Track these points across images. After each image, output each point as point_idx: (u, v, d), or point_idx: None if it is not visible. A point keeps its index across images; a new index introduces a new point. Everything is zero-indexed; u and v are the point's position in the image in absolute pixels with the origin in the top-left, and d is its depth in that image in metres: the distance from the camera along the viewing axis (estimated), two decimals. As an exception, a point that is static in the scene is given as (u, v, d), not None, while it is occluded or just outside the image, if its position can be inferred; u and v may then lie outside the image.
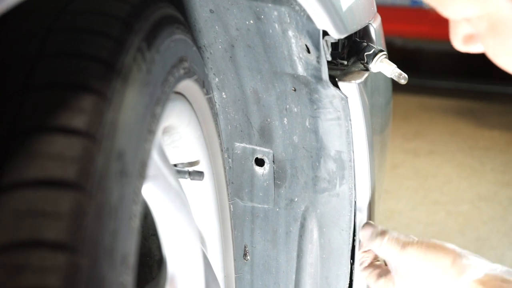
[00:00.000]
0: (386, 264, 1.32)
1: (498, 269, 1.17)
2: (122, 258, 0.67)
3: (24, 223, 0.60)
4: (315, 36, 1.15)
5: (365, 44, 1.24)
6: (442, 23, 5.26)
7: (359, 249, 1.36)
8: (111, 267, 0.65)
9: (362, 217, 1.33)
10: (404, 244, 1.23)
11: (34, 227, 0.60)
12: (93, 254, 0.62)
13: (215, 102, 1.32)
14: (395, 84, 1.49)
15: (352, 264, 1.38)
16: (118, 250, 0.66)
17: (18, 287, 0.58)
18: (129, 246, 0.69)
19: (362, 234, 1.31)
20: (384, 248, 1.26)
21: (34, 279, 0.59)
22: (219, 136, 1.26)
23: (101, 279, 0.63)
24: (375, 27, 1.30)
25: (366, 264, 1.33)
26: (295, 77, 1.24)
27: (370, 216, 1.33)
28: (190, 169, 1.17)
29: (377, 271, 1.31)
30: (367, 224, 1.32)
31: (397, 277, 1.25)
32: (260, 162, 1.38)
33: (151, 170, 0.90)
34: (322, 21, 1.10)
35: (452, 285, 1.18)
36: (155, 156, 0.91)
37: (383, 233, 1.27)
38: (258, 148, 1.37)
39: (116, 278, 0.66)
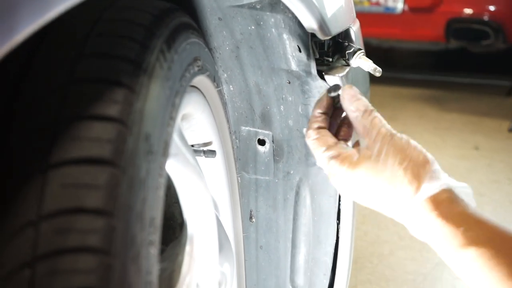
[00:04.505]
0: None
1: (459, 186, 0.87)
2: (150, 220, 0.68)
3: (69, 193, 0.61)
4: (305, 38, 1.15)
5: (347, 44, 1.24)
6: (410, 26, 5.21)
7: (314, 108, 0.98)
8: (141, 228, 0.65)
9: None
10: (391, 135, 0.90)
11: (77, 197, 0.61)
12: (126, 217, 0.63)
13: (224, 94, 1.32)
14: (371, 77, 1.49)
15: (338, 224, 1.38)
16: (147, 214, 0.67)
17: (65, 246, 0.59)
18: (155, 211, 0.70)
19: (344, 92, 0.94)
20: (366, 124, 0.91)
21: (78, 239, 0.59)
22: (228, 121, 1.26)
23: (133, 238, 0.63)
24: (355, 30, 1.30)
25: (319, 123, 0.96)
26: (289, 72, 1.24)
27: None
28: (205, 148, 1.17)
29: (332, 140, 0.93)
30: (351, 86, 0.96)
31: (361, 165, 0.88)
32: (262, 142, 1.38)
33: (172, 149, 0.90)
34: (310, 26, 1.10)
35: (403, 205, 0.86)
36: (175, 138, 0.92)
37: (371, 110, 0.92)
38: (260, 130, 1.37)
39: (146, 237, 0.66)
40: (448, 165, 3.63)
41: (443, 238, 0.82)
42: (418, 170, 0.86)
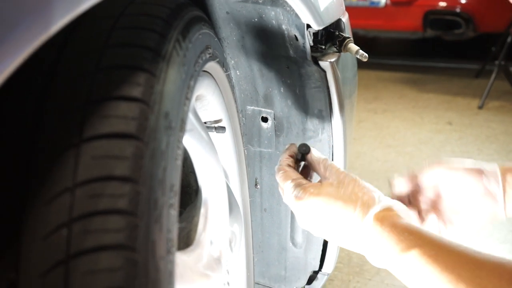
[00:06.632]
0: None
1: (395, 205, 0.91)
2: (170, 186, 0.68)
3: (101, 164, 0.61)
4: (301, 28, 1.15)
5: (337, 33, 1.23)
6: (392, 18, 5.17)
7: (284, 152, 1.02)
8: (162, 193, 0.65)
9: (338, 157, 1.33)
10: (343, 176, 0.93)
11: (108, 166, 0.61)
12: (149, 184, 0.63)
13: (232, 78, 1.32)
14: (359, 62, 1.48)
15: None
16: (167, 181, 0.67)
17: (97, 208, 0.59)
18: (175, 178, 0.70)
19: (311, 154, 0.99)
20: (326, 167, 0.95)
21: (109, 202, 0.59)
22: (235, 101, 1.26)
23: (156, 201, 0.63)
24: (344, 21, 1.29)
25: (289, 162, 1.00)
26: (288, 58, 1.23)
27: (344, 155, 1.34)
28: (216, 125, 1.17)
29: (297, 176, 0.97)
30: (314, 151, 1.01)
31: (324, 190, 0.92)
32: (265, 119, 1.38)
33: (188, 126, 0.90)
34: (306, 18, 1.09)
35: (356, 227, 0.89)
36: (191, 115, 0.92)
37: (326, 160, 0.97)
38: (263, 109, 1.36)
39: (166, 201, 0.66)
40: (425, 138, 3.63)
41: (389, 245, 0.85)
42: (366, 199, 0.90)
